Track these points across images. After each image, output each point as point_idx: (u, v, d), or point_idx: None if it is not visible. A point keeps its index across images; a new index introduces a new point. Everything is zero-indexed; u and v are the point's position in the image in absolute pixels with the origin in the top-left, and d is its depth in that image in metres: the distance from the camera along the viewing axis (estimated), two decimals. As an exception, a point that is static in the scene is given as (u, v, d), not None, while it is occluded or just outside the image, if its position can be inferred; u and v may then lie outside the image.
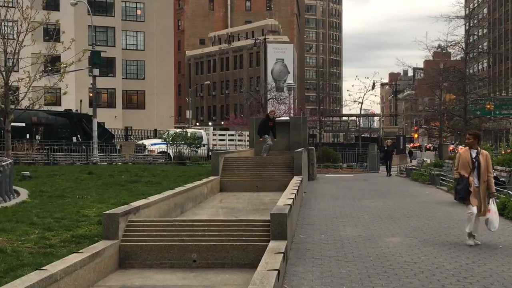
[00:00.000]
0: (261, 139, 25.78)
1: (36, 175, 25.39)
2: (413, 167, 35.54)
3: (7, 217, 13.20)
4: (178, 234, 9.97)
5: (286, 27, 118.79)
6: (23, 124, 40.46)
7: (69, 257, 7.95)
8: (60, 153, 37.88)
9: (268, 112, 26.73)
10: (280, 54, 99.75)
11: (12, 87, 32.34)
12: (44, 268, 7.28)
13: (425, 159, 45.08)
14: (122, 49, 74.85)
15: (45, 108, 44.04)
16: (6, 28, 31.78)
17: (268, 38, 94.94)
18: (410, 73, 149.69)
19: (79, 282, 7.74)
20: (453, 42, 46.56)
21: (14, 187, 19.91)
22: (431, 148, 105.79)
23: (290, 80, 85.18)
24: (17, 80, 32.60)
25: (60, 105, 58.49)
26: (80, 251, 8.43)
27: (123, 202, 15.07)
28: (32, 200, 17.36)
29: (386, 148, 37.79)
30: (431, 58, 65.28)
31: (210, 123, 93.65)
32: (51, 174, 26.31)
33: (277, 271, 7.22)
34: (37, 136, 40.41)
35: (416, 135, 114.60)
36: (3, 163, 18.90)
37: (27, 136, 40.12)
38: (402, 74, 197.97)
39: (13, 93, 33.12)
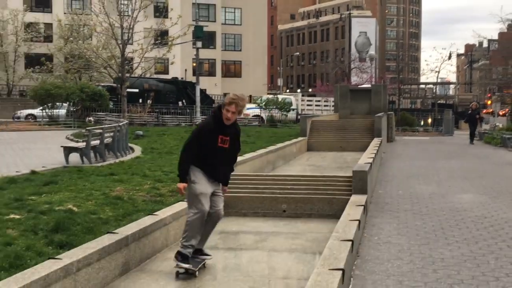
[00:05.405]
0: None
1: (147, 135, 26.02)
2: (486, 131, 34.27)
3: (124, 170, 13.63)
4: (270, 187, 10.08)
5: (369, 2, 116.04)
6: (137, 90, 41.49)
7: (176, 205, 8.19)
8: (168, 116, 38.64)
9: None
10: (363, 27, 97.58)
11: (127, 57, 33.28)
12: (155, 213, 7.56)
13: (497, 124, 43.37)
14: (222, 24, 75.04)
15: (155, 76, 45.03)
16: (122, 6, 32.62)
17: (352, 13, 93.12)
18: (485, 45, 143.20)
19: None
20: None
21: (129, 145, 20.59)
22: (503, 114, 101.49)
23: (372, 51, 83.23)
24: (132, 51, 33.52)
25: (168, 73, 59.60)
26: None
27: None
28: (145, 155, 17.83)
29: (470, 111, 31.19)
30: (506, 30, 62.25)
31: (298, 90, 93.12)
32: (160, 134, 26.91)
33: (358, 221, 7.22)
34: (148, 101, 41.37)
35: (489, 102, 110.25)
36: (120, 124, 19.58)
37: (140, 100, 41.12)
38: (477, 45, 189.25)
39: (128, 63, 34.09)
